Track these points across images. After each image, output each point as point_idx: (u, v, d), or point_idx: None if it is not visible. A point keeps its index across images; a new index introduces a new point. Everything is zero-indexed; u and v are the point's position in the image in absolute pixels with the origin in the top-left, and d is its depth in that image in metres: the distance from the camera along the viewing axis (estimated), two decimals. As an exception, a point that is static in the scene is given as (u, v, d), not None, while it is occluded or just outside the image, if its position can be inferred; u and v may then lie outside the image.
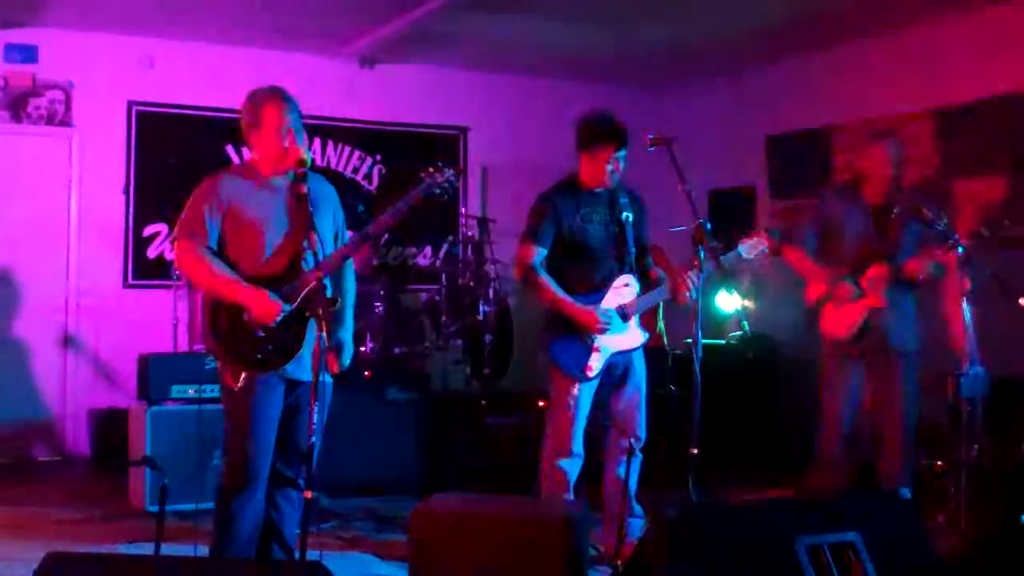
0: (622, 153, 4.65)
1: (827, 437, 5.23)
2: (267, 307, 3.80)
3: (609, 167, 4.65)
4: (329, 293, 3.77)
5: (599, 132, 4.66)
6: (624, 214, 4.74)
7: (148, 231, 7.83)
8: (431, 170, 4.00)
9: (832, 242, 5.20)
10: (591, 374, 4.64)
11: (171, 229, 4.05)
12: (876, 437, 5.21)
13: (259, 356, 3.85)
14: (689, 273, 4.45)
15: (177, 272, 6.79)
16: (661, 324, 6.65)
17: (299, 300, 3.83)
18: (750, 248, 4.64)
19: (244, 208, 3.93)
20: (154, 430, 5.72)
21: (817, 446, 5.28)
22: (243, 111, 4.01)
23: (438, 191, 3.98)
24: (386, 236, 7.35)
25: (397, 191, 4.02)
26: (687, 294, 4.50)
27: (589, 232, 4.72)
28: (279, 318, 3.81)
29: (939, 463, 5.54)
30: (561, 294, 4.64)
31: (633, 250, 4.75)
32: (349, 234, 4.24)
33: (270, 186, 3.99)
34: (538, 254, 4.70)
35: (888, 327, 5.08)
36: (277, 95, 3.96)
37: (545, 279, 4.67)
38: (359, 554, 4.99)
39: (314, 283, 3.74)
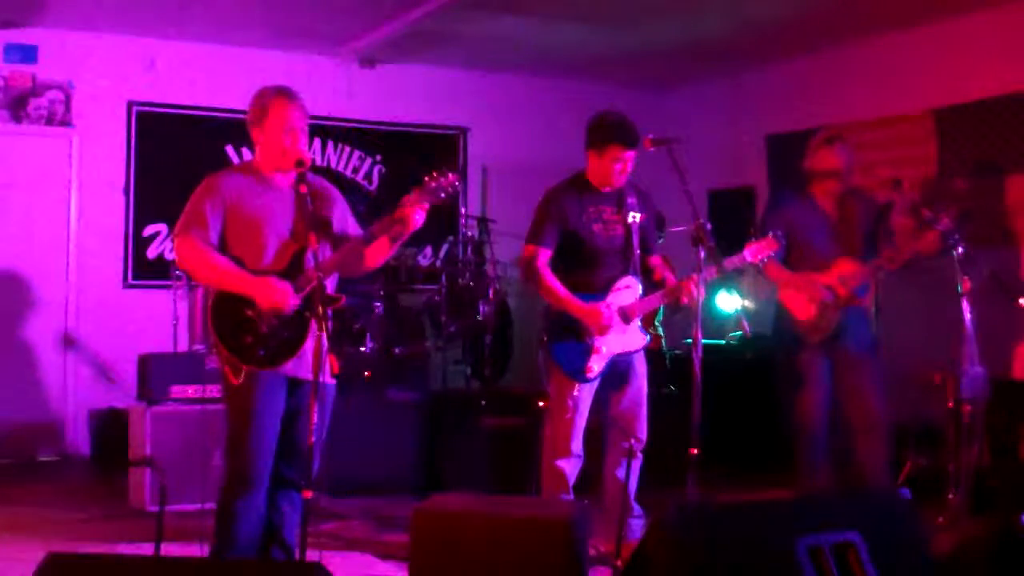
0: (631, 153, 4.65)
1: (805, 439, 5.33)
2: (275, 292, 3.80)
3: (617, 166, 4.65)
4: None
5: (609, 131, 4.65)
6: (631, 215, 4.74)
7: (148, 231, 7.83)
8: (434, 174, 3.98)
9: (795, 245, 5.28)
10: (591, 375, 4.64)
11: (171, 229, 4.06)
12: (855, 436, 5.29)
13: (261, 352, 3.85)
14: (694, 277, 4.44)
15: (178, 270, 6.78)
16: (659, 325, 6.66)
17: (301, 298, 3.84)
18: (756, 252, 4.64)
19: (245, 206, 3.93)
20: (154, 430, 5.72)
21: (797, 452, 5.37)
22: (250, 107, 4.02)
23: (443, 195, 3.97)
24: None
25: (398, 192, 4.02)
26: (692, 297, 4.48)
27: (594, 232, 4.71)
28: (292, 307, 3.81)
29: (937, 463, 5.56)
30: (565, 293, 4.64)
31: (638, 252, 4.75)
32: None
33: (272, 185, 4.00)
34: (543, 254, 4.70)
35: (858, 323, 5.25)
36: (285, 94, 3.98)
37: (550, 279, 4.67)
38: (359, 554, 4.99)
39: (315, 282, 3.74)
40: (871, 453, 5.22)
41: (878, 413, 5.21)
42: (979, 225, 5.19)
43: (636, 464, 4.73)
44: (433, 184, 3.92)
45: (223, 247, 3.93)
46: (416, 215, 3.89)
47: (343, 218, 4.15)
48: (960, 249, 4.88)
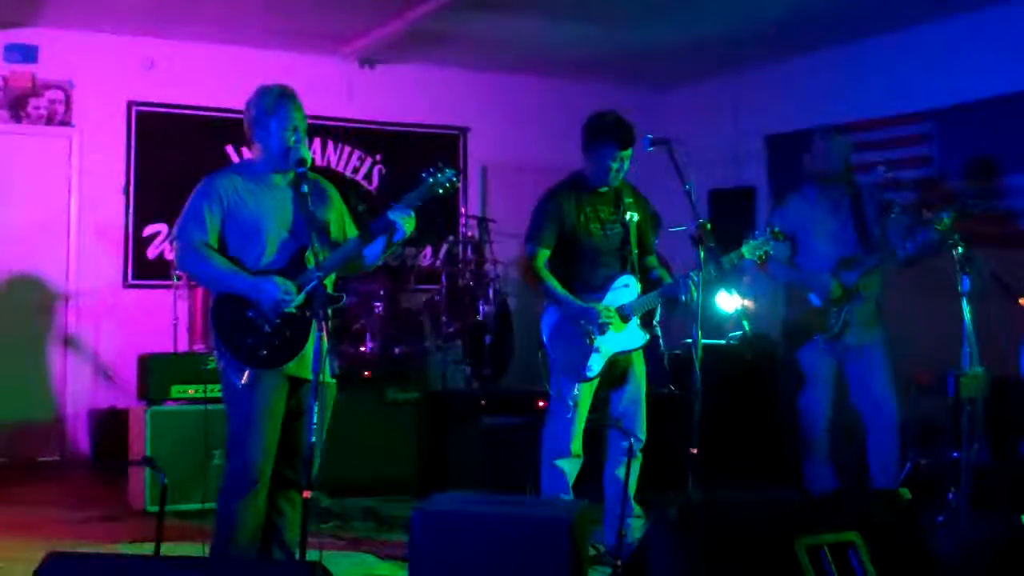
0: (627, 153, 4.66)
1: (807, 438, 5.33)
2: (275, 292, 3.79)
3: (614, 166, 4.66)
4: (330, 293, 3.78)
5: (604, 131, 4.66)
6: (628, 214, 4.74)
7: (148, 231, 7.84)
8: (432, 169, 4.00)
9: (800, 243, 5.29)
10: (591, 374, 4.64)
11: (171, 229, 4.06)
12: (866, 431, 5.29)
13: (263, 353, 3.85)
14: (690, 274, 4.45)
15: (177, 271, 6.79)
16: (656, 325, 6.65)
17: (301, 297, 3.83)
18: (754, 248, 4.64)
19: (244, 206, 3.93)
20: (154, 430, 5.72)
21: (802, 449, 5.36)
22: (250, 106, 4.00)
23: (440, 191, 3.98)
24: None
25: (398, 192, 4.03)
26: (689, 295, 4.49)
27: (592, 231, 4.72)
28: (292, 304, 3.80)
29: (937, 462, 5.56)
30: (563, 294, 4.64)
31: (635, 250, 4.76)
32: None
33: (271, 184, 3.99)
34: (541, 254, 4.70)
35: (865, 319, 5.24)
36: (288, 93, 3.99)
37: (548, 279, 4.67)
38: (359, 554, 4.99)
39: (315, 282, 3.74)
40: (881, 448, 5.21)
41: (889, 407, 5.21)
42: (979, 225, 5.18)
43: (636, 464, 4.73)
44: (430, 180, 3.94)
45: (222, 247, 3.93)
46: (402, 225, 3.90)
47: (341, 218, 4.15)
48: (960, 249, 4.88)
